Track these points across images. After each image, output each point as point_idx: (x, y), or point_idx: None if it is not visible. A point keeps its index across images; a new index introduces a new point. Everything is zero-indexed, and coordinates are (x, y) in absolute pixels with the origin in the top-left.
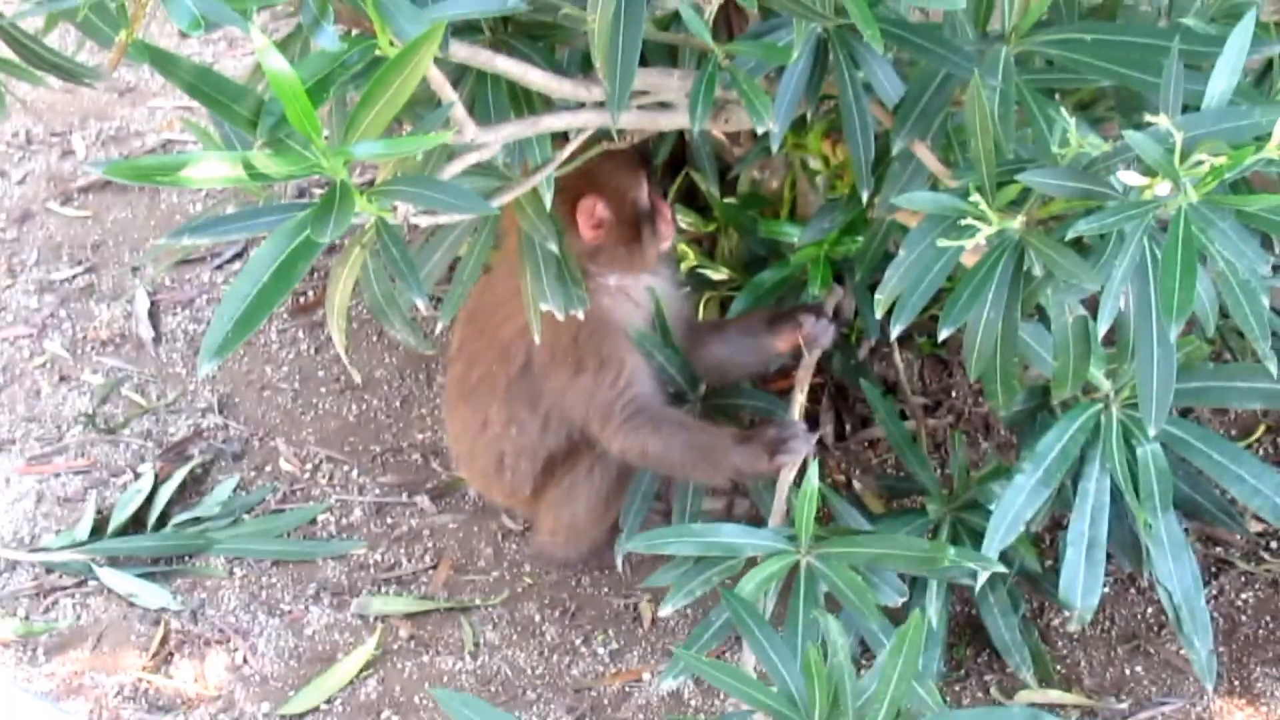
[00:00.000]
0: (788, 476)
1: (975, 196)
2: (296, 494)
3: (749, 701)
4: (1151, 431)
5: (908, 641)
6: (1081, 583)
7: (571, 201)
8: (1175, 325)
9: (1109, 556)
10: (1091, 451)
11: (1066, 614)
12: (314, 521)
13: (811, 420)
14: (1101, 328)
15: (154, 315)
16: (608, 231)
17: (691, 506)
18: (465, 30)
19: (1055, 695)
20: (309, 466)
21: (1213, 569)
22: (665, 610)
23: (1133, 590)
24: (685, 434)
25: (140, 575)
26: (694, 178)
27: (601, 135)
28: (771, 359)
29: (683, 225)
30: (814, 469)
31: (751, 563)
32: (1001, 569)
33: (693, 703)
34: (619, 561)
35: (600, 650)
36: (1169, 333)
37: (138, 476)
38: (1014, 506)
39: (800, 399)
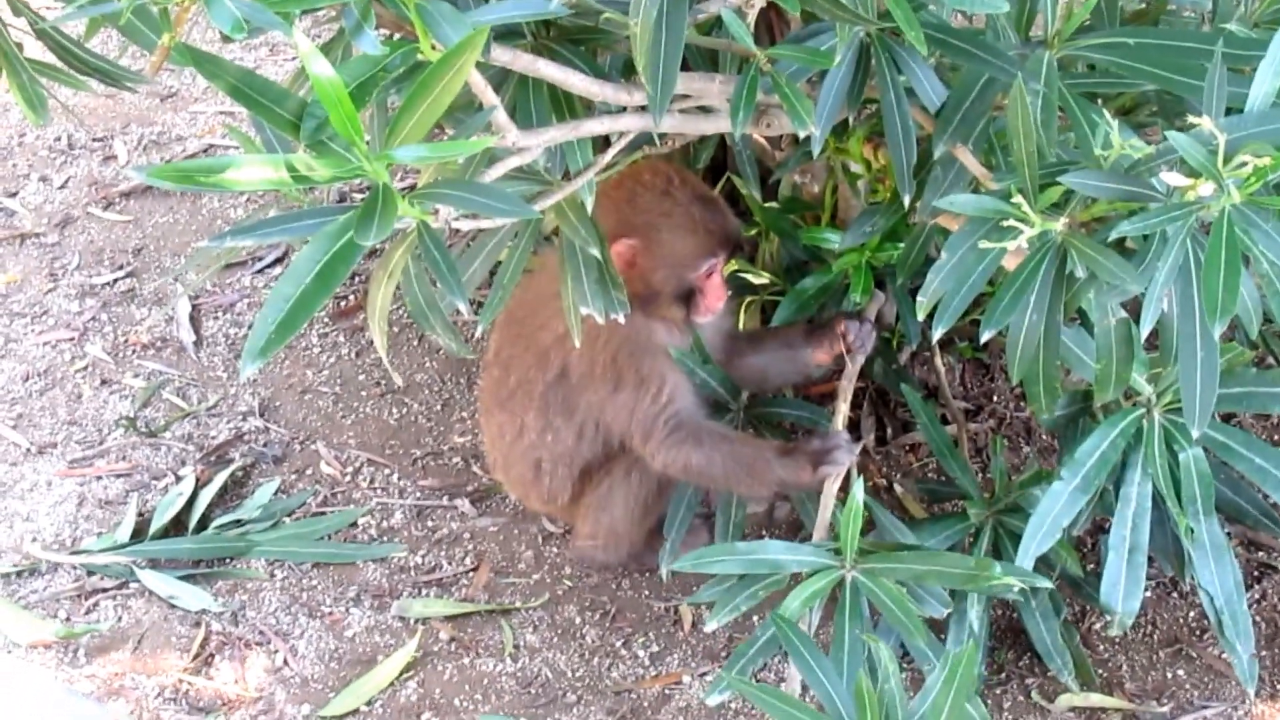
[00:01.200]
0: (832, 488)
1: (1017, 199)
2: (337, 497)
3: None
4: (1195, 433)
5: (960, 673)
6: (1123, 587)
7: (619, 231)
8: (1218, 326)
9: (1150, 561)
10: (1133, 456)
11: (1108, 618)
12: (354, 525)
13: (853, 427)
14: (1145, 329)
15: (195, 319)
16: (636, 277)
17: (735, 515)
18: (507, 35)
19: (1097, 699)
20: (349, 470)
21: (1255, 573)
22: (710, 626)
23: (1174, 594)
24: (728, 447)
25: (181, 578)
26: (735, 182)
27: (643, 139)
28: (812, 369)
29: None
30: (859, 484)
31: (797, 576)
32: (1048, 585)
33: (734, 705)
34: (664, 570)
35: (640, 653)
36: (1212, 333)
37: (179, 479)
38: (1051, 512)
39: (844, 409)
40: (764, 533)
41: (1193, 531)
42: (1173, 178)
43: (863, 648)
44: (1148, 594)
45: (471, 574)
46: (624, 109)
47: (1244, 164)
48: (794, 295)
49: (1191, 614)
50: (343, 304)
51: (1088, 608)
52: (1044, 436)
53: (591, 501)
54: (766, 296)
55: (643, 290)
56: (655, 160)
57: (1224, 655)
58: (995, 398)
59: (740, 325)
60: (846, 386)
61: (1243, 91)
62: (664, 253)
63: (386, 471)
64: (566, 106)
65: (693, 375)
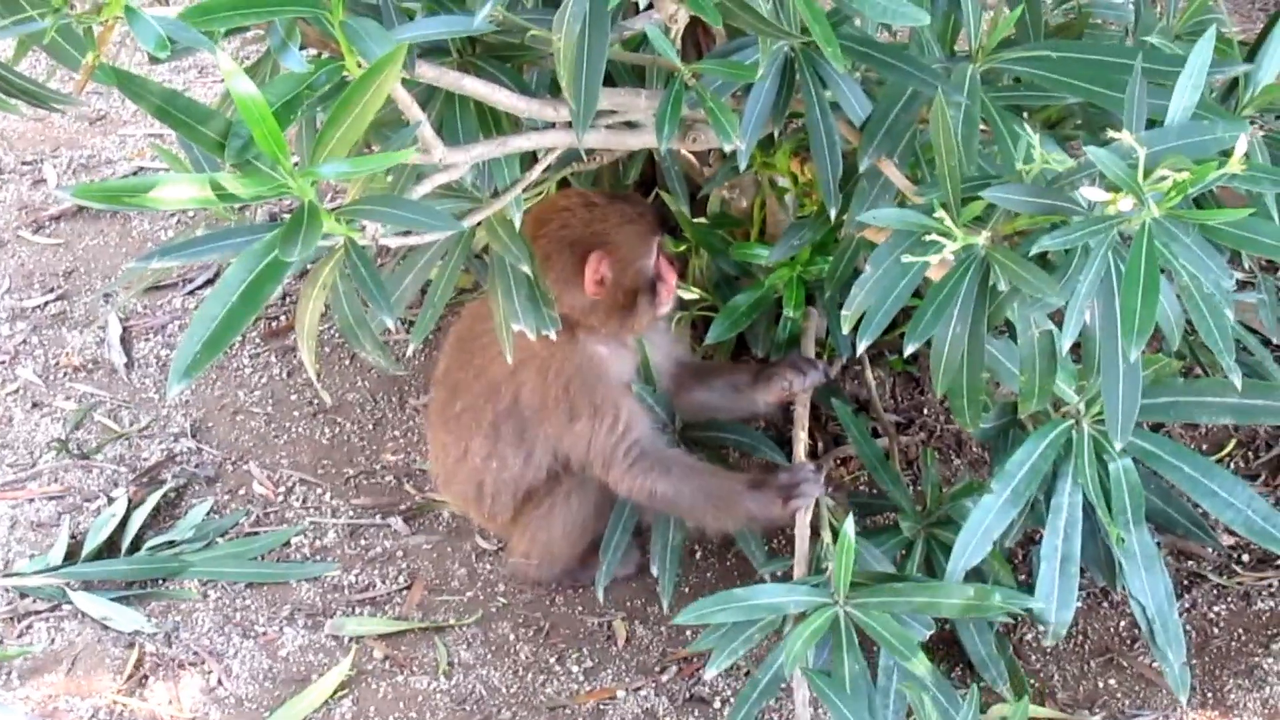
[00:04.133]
0: (804, 520)
1: (940, 213)
2: (270, 517)
3: None
4: (1118, 445)
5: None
6: (1056, 598)
7: (581, 256)
8: (1137, 342)
9: (1082, 571)
10: (1064, 467)
11: (1041, 629)
12: (288, 544)
13: (786, 443)
14: (1066, 342)
15: (126, 341)
16: (610, 289)
17: (673, 539)
18: (433, 52)
19: (1030, 709)
20: (282, 490)
21: (1185, 582)
22: (710, 673)
23: (1105, 604)
24: (697, 479)
25: (114, 599)
26: (664, 198)
27: (571, 156)
28: (758, 409)
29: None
30: (850, 520)
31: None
32: (1039, 605)
33: (667, 719)
34: (600, 592)
35: (574, 669)
36: (1129, 352)
37: (111, 501)
38: (982, 524)
39: (803, 438)
40: (696, 547)
41: (1124, 541)
42: (1093, 193)
43: (864, 683)
44: (1079, 604)
45: (405, 592)
46: (551, 125)
47: (1164, 178)
48: (727, 313)
49: (1123, 623)
50: (274, 324)
51: (1020, 618)
52: (975, 448)
53: (530, 521)
54: (697, 312)
55: (620, 300)
56: (559, 191)
57: (1155, 664)
58: (926, 410)
59: (688, 348)
60: (802, 413)
61: (1165, 104)
62: (621, 253)
63: (319, 491)
64: (493, 123)
65: (642, 400)
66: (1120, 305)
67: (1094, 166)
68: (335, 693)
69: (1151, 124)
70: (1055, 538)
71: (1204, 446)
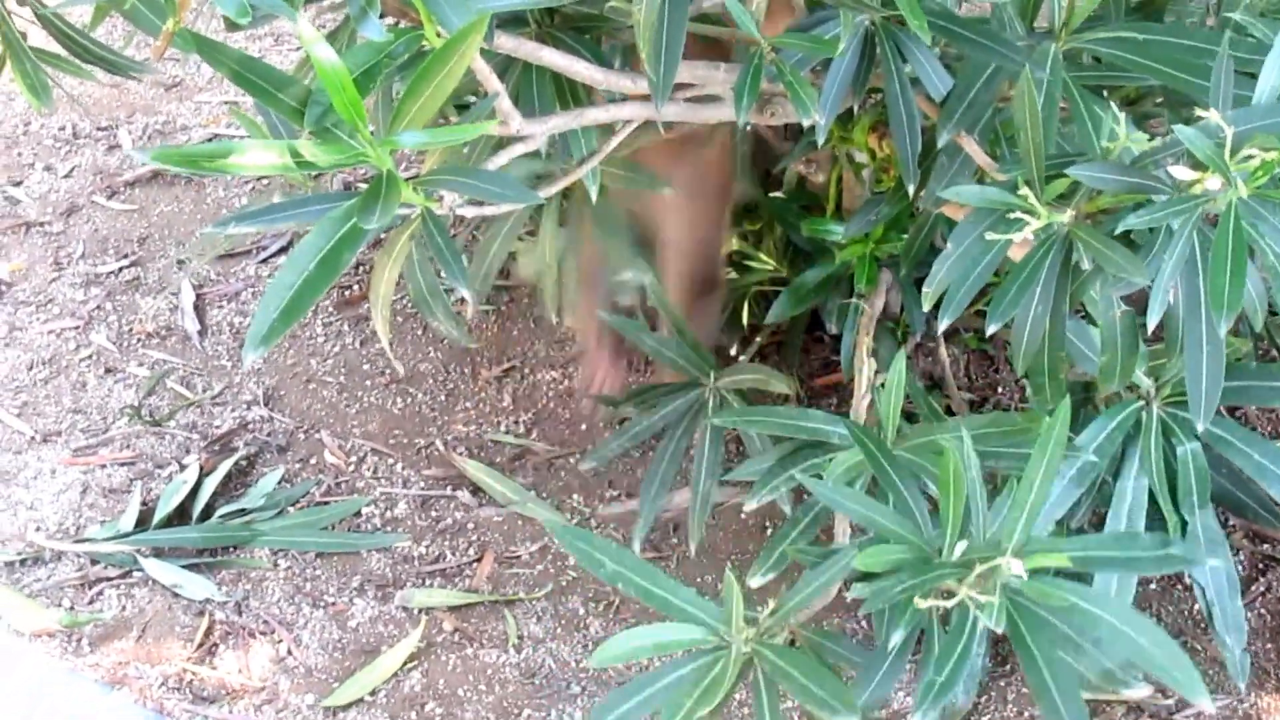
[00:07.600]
0: (866, 375)
1: (1024, 190)
2: (341, 487)
3: (866, 523)
4: (1200, 428)
5: (1050, 448)
6: (1115, 582)
7: None
8: (1225, 320)
9: None
10: (1131, 449)
11: None
12: (358, 514)
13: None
14: (1151, 322)
15: (199, 308)
16: None
17: (709, 477)
18: (511, 23)
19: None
20: (354, 459)
21: (1260, 565)
22: (750, 506)
23: (1179, 587)
24: None
25: (185, 566)
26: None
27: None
28: None
29: None
30: (901, 356)
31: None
32: (1091, 458)
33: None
34: (636, 545)
35: None
36: (1218, 328)
37: (183, 468)
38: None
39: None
40: (766, 523)
41: (1185, 525)
42: (1180, 171)
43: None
44: (1151, 586)
45: (475, 564)
46: (628, 97)
47: (1251, 156)
48: (793, 290)
49: (1195, 607)
50: (347, 294)
51: None
52: None
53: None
54: (768, 286)
55: None
56: None
57: None
58: (1000, 389)
59: (744, 318)
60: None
61: (1249, 93)
62: None
63: (390, 461)
64: (571, 95)
65: None
66: (1208, 284)
67: (1178, 145)
68: (404, 664)
69: (1235, 103)
70: (1117, 522)
71: None
